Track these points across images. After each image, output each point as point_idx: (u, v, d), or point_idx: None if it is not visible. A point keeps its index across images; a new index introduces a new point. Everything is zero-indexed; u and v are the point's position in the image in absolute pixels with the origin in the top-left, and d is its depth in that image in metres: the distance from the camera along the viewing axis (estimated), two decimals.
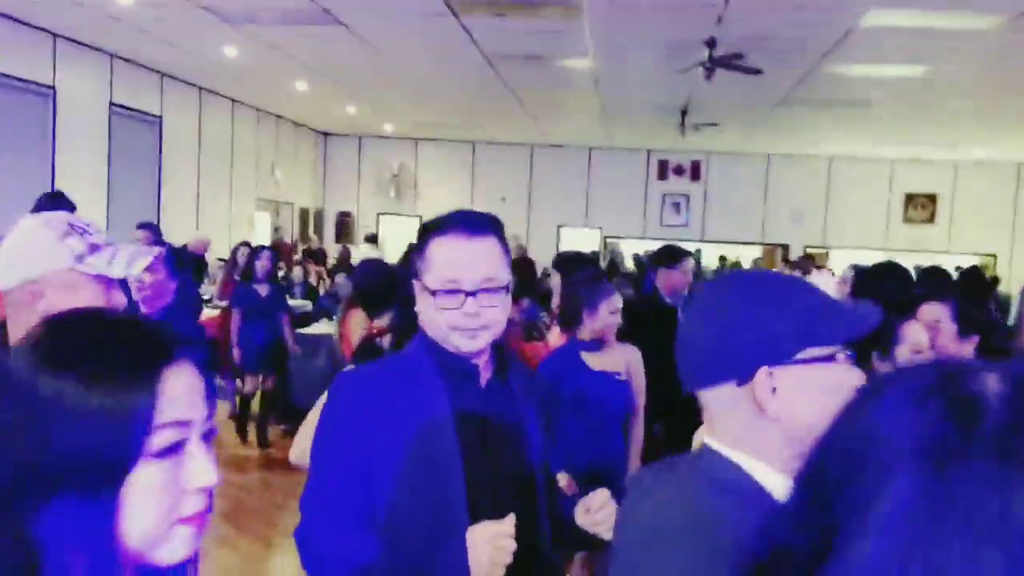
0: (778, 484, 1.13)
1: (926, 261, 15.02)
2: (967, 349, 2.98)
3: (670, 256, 5.13)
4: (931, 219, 15.75)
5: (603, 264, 10.85)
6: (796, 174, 15.92)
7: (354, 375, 1.81)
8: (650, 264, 6.72)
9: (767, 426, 1.15)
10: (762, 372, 1.14)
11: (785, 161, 15.86)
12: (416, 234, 1.86)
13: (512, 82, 10.61)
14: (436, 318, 1.70)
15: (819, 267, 14.36)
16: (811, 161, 15.81)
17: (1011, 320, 5.87)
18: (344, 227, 16.97)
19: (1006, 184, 15.56)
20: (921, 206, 15.79)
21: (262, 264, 7.32)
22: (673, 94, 10.62)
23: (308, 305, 9.78)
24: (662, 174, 16.33)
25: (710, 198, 16.18)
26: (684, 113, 11.71)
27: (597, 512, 1.74)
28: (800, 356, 1.14)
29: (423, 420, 1.67)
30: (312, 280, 11.43)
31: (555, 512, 1.84)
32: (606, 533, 1.72)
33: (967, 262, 15.49)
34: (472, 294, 1.68)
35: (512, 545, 1.54)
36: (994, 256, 15.62)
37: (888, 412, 0.70)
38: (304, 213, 16.36)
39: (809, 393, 1.13)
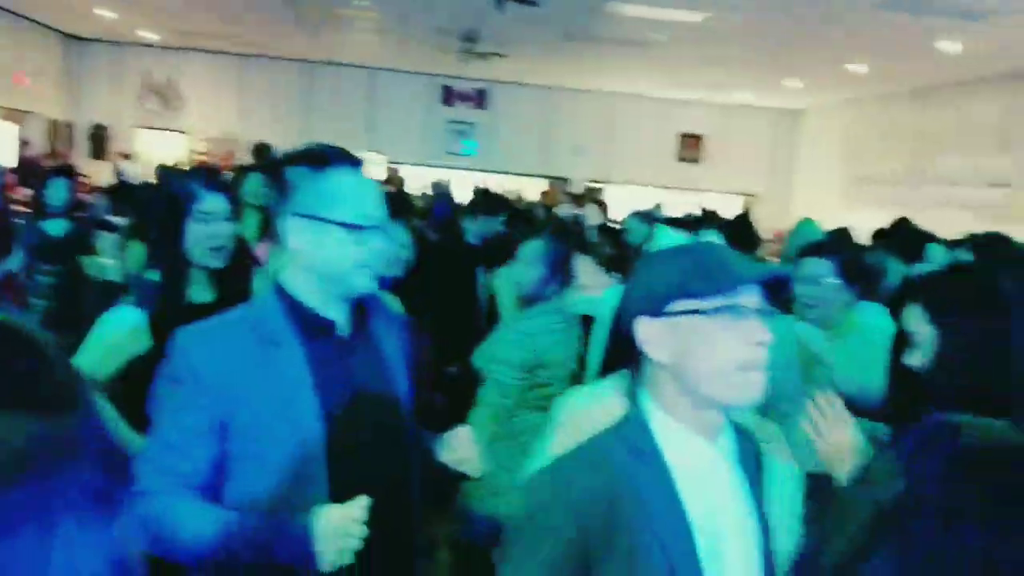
0: (690, 441, 1.30)
1: (695, 199, 15.85)
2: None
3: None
4: (700, 158, 16.48)
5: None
6: (580, 109, 16.10)
7: (197, 332, 1.67)
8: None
9: (658, 372, 1.32)
10: (641, 321, 1.31)
11: (570, 95, 15.98)
12: (282, 162, 1.74)
13: None
14: (340, 253, 1.64)
15: (596, 201, 14.71)
16: (595, 97, 16.01)
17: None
18: (99, 141, 15.42)
19: (767, 128, 16.50)
20: (692, 146, 16.48)
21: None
22: (457, 18, 10.30)
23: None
24: (447, 100, 16.01)
25: (495, 128, 16.07)
26: (470, 40, 11.42)
27: (461, 449, 1.78)
28: (670, 308, 1.29)
29: (277, 379, 1.62)
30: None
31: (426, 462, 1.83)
32: (473, 471, 1.79)
33: (731, 201, 16.43)
34: (374, 228, 1.66)
35: (361, 531, 1.51)
36: (754, 195, 16.62)
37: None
38: (53, 125, 14.70)
39: (680, 342, 1.28)
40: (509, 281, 3.86)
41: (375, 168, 15.82)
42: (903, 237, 5.01)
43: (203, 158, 15.30)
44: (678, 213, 14.35)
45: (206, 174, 2.91)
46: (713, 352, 1.26)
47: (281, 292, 1.69)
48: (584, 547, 1.22)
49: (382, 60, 14.84)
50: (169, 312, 2.26)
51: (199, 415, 1.58)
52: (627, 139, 16.14)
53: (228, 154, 15.56)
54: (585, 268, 3.60)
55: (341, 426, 1.64)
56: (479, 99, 16.01)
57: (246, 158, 15.48)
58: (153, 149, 15.42)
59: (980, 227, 10.56)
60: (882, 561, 0.99)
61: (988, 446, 0.89)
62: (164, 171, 12.35)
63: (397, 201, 10.40)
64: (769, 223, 14.82)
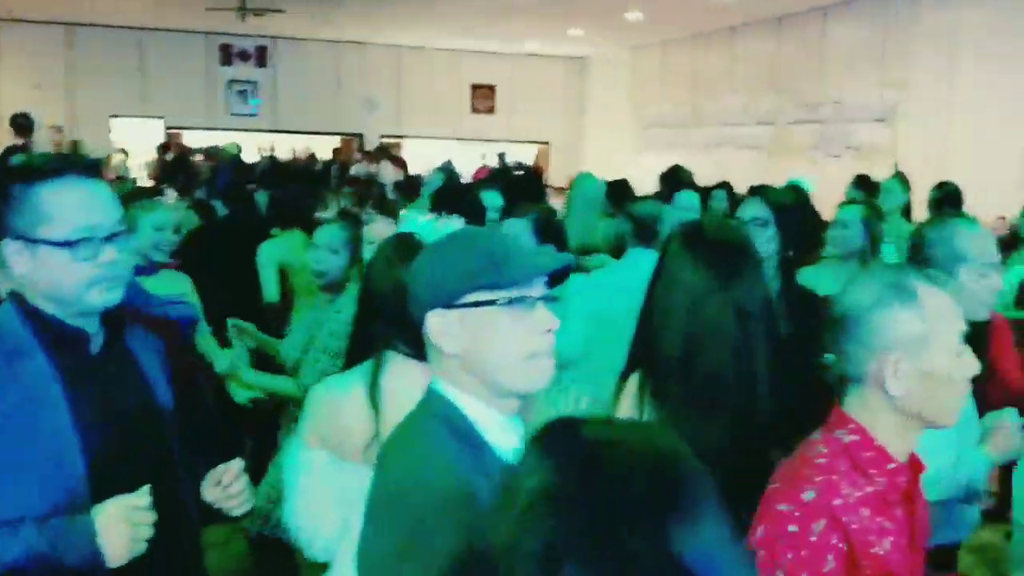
0: (496, 421, 1.32)
1: (490, 149, 16.01)
2: None
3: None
4: (493, 109, 16.60)
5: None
6: (369, 63, 15.74)
7: None
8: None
9: (450, 362, 1.31)
10: (433, 314, 1.30)
11: (357, 49, 15.58)
12: None
13: None
14: (65, 274, 1.53)
15: (391, 157, 14.54)
16: (383, 51, 15.70)
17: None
18: None
19: (557, 77, 16.82)
20: (484, 97, 16.56)
21: None
22: None
23: None
24: (225, 59, 15.21)
25: (280, 86, 15.46)
26: None
27: (230, 485, 1.70)
28: (463, 300, 1.28)
29: (25, 399, 1.50)
30: None
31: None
32: (238, 508, 1.72)
33: (526, 150, 16.72)
34: (108, 240, 1.55)
35: (149, 517, 1.48)
36: (548, 143, 16.98)
37: None
38: None
39: (471, 333, 1.29)
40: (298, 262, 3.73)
41: (151, 134, 14.90)
42: (672, 184, 5.26)
43: None
44: (474, 164, 14.48)
45: None
46: (505, 343, 1.29)
47: (22, 302, 1.57)
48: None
49: (153, 20, 13.87)
50: None
51: None
52: (419, 92, 15.99)
53: None
54: (385, 231, 3.52)
55: (99, 442, 1.55)
56: (260, 56, 15.32)
57: (5, 135, 14.18)
58: None
59: (754, 164, 11.35)
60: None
61: (607, 454, 0.81)
62: None
63: (178, 170, 9.83)
64: (564, 170, 15.24)
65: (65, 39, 14.37)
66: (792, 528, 1.38)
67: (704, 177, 8.95)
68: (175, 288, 3.46)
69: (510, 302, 1.28)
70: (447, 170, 6.90)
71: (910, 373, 1.42)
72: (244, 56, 15.22)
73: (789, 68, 11.16)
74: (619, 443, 0.83)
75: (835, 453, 1.45)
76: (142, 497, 1.49)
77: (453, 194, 3.29)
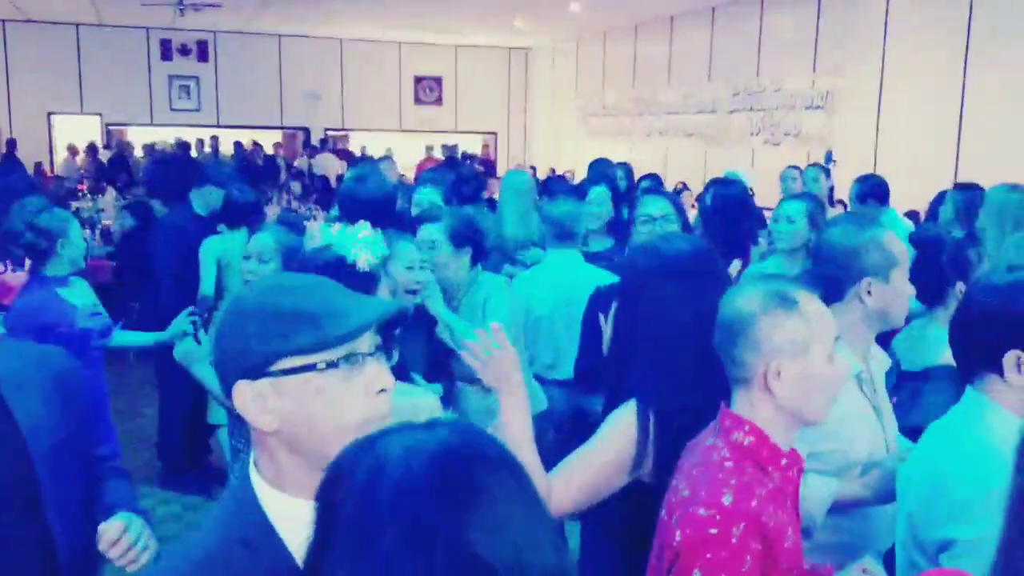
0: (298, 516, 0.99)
1: (436, 141, 16.01)
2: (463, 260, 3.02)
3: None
4: (439, 101, 16.59)
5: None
6: (310, 55, 15.64)
7: None
8: None
9: (268, 440, 1.10)
10: (240, 385, 1.08)
11: (298, 42, 15.47)
12: None
13: None
14: None
15: (336, 151, 14.49)
16: (323, 43, 15.61)
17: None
18: None
19: (500, 68, 16.87)
20: (429, 88, 16.54)
21: None
22: None
23: None
24: (166, 54, 15.00)
25: (222, 80, 15.29)
26: None
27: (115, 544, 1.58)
28: (275, 367, 1.07)
29: None
30: None
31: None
32: (134, 566, 1.61)
33: (472, 140, 16.74)
34: None
35: None
36: (495, 134, 17.02)
37: None
38: None
39: (290, 404, 1.08)
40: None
41: (89, 129, 14.66)
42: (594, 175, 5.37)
43: None
44: (418, 156, 14.45)
45: None
46: (333, 411, 1.08)
47: None
48: None
49: (87, 16, 13.62)
50: None
51: None
52: (363, 85, 15.93)
53: None
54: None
55: None
56: (201, 51, 15.13)
57: None
58: None
59: (697, 150, 11.53)
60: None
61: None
62: None
63: (118, 168, 9.70)
64: (512, 161, 15.31)
65: (0, 36, 14.07)
66: (713, 531, 1.44)
67: (646, 165, 9.11)
68: (87, 298, 3.38)
69: (332, 364, 1.07)
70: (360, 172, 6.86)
71: (791, 376, 1.53)
72: (185, 51, 15.02)
73: (727, 56, 11.33)
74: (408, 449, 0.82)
75: (739, 456, 1.54)
76: None
77: (363, 199, 3.16)
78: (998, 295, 1.62)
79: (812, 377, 1.54)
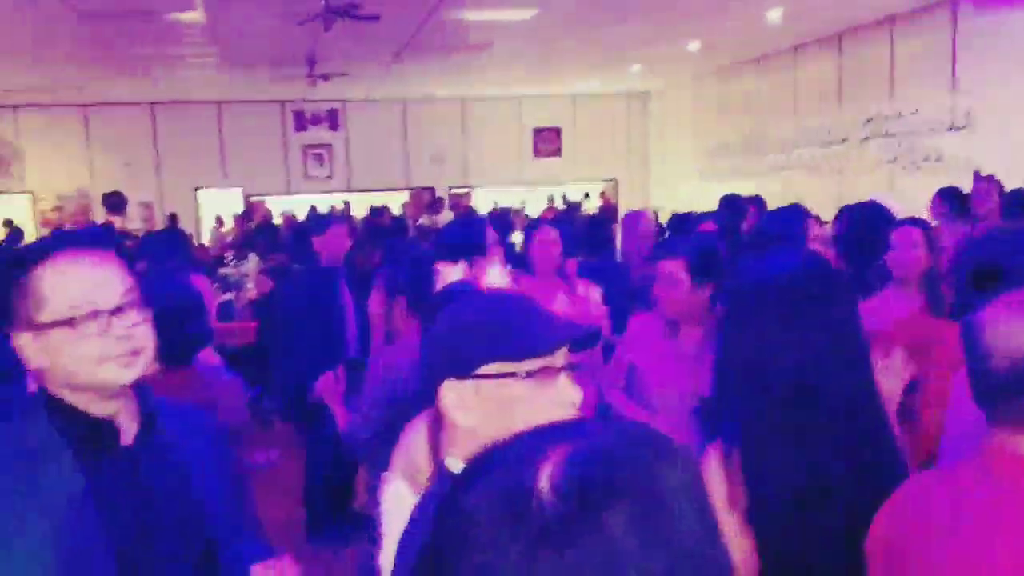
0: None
1: (557, 192, 16.09)
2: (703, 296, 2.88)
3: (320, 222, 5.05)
4: (558, 151, 16.73)
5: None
6: (433, 116, 16.10)
7: None
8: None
9: (463, 435, 1.24)
10: (446, 386, 1.24)
11: (421, 104, 15.96)
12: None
13: (115, 40, 9.50)
14: (73, 354, 1.38)
15: (458, 207, 14.76)
16: (446, 103, 16.05)
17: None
18: None
19: (618, 114, 16.88)
20: (548, 140, 16.71)
21: None
22: (297, 44, 10.14)
23: None
24: (300, 125, 15.75)
25: (351, 147, 15.91)
26: (312, 63, 11.26)
27: None
28: (481, 371, 1.21)
29: (49, 506, 1.34)
30: None
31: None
32: None
33: (593, 188, 16.75)
34: (115, 312, 1.41)
35: None
36: (615, 180, 16.98)
37: (465, 530, 0.70)
38: None
39: (489, 406, 1.22)
40: None
41: (232, 201, 15.44)
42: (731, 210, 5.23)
43: (52, 216, 14.62)
44: (539, 207, 14.54)
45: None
46: (526, 417, 1.11)
47: (45, 396, 1.44)
48: None
49: (229, 93, 14.48)
50: None
51: None
52: (483, 141, 16.25)
53: (81, 208, 14.92)
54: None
55: (131, 550, 1.42)
56: (332, 120, 15.81)
57: (100, 211, 14.90)
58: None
59: (822, 186, 11.14)
60: None
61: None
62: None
63: (261, 234, 10.17)
64: (632, 205, 15.21)
65: (149, 118, 15.10)
66: None
67: (774, 202, 8.84)
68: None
69: (531, 373, 1.21)
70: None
71: None
72: (317, 121, 15.72)
73: (854, 84, 10.97)
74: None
75: None
76: None
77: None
78: None
79: None
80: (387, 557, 2.07)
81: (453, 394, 1.24)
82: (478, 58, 11.76)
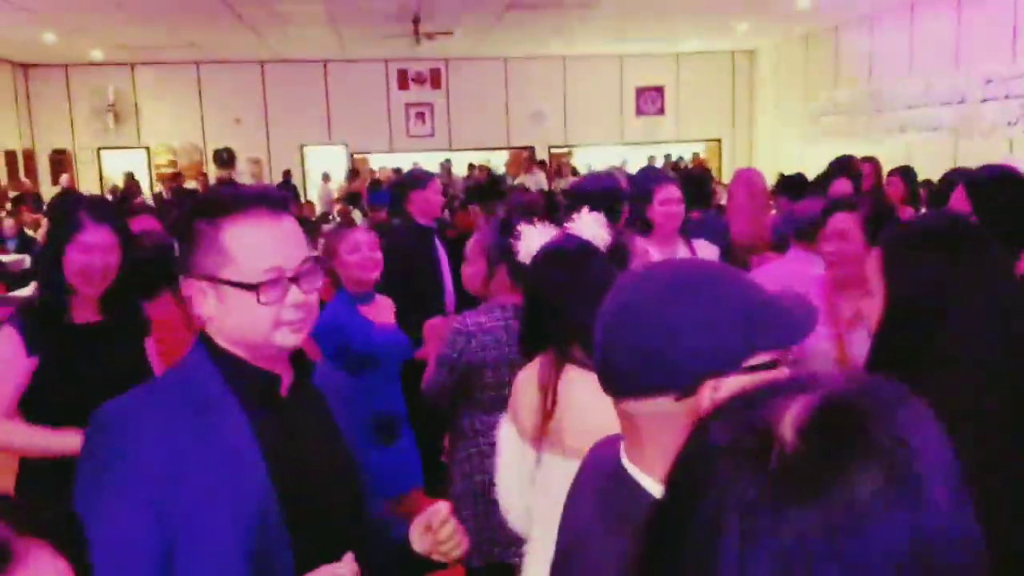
0: None
1: (659, 151, 15.90)
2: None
3: (416, 178, 4.96)
4: (661, 111, 16.50)
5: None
6: (533, 76, 16.08)
7: (119, 407, 1.43)
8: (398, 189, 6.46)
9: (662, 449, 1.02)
10: (709, 385, 1.01)
11: (522, 64, 15.95)
12: (185, 218, 1.50)
13: None
14: (251, 317, 1.41)
15: (558, 166, 14.73)
16: (547, 62, 15.99)
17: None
18: (59, 166, 15.32)
19: (723, 73, 16.53)
20: (651, 99, 16.49)
21: None
22: (403, 2, 10.27)
23: (25, 259, 8.83)
24: (403, 84, 15.96)
25: (453, 105, 16.04)
26: (416, 21, 11.39)
27: (440, 529, 1.53)
28: (748, 364, 1.01)
29: (220, 452, 1.38)
30: (30, 231, 10.28)
31: (377, 531, 1.63)
32: (454, 552, 1.55)
33: (697, 149, 16.49)
34: (295, 279, 1.43)
35: None
36: (719, 140, 16.69)
37: (707, 464, 0.69)
38: (10, 155, 14.59)
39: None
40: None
41: (337, 160, 15.81)
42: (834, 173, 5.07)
43: (167, 171, 15.27)
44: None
45: (101, 203, 2.94)
46: None
47: (213, 349, 1.47)
48: None
49: (334, 52, 14.77)
50: (47, 331, 2.51)
51: (139, 508, 1.34)
52: (584, 100, 16.14)
53: (194, 164, 15.53)
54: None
55: (295, 499, 1.45)
56: (434, 79, 15.96)
57: (212, 166, 15.49)
58: (116, 168, 15.37)
59: (938, 148, 10.72)
60: None
61: None
62: (116, 191, 12.33)
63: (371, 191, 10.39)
64: (736, 165, 14.93)
65: (258, 76, 15.53)
66: None
67: (888, 165, 8.59)
68: (386, 316, 3.42)
69: (775, 364, 1.04)
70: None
71: None
72: (420, 79, 15.90)
73: (974, 42, 10.47)
74: None
75: None
76: (348, 566, 1.40)
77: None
78: None
79: None
80: (502, 487, 2.20)
81: (714, 393, 1.01)
82: (580, 15, 11.68)
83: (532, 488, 2.03)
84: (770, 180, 7.59)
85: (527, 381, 2.07)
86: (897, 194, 5.68)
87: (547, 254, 2.10)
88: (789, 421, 0.66)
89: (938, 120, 11.00)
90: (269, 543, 1.39)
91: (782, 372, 1.02)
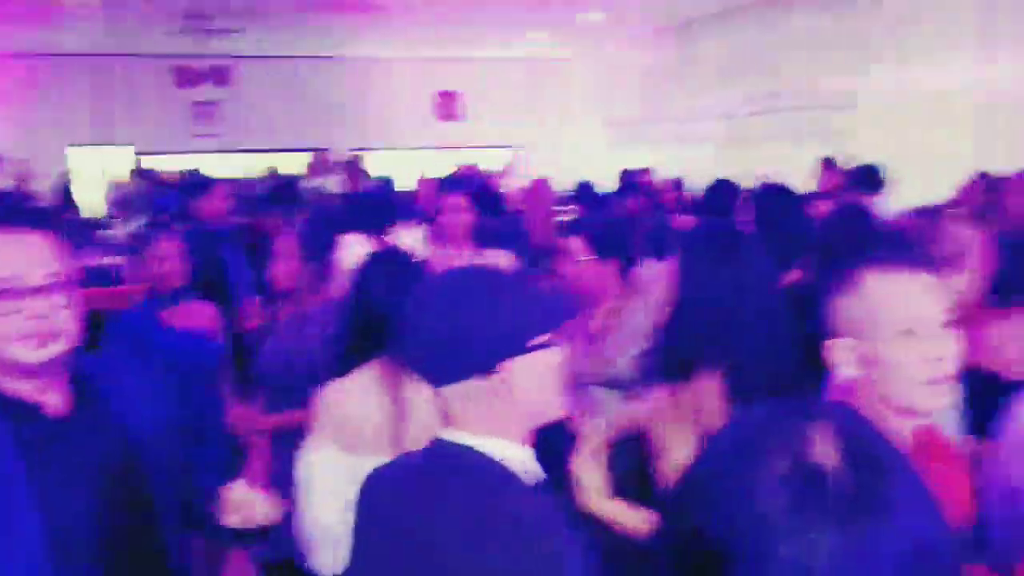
0: (520, 455, 1.31)
1: (459, 158, 15.95)
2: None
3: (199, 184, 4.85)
4: (460, 116, 16.55)
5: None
6: (331, 77, 15.67)
7: None
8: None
9: (511, 409, 1.28)
10: (509, 362, 1.26)
11: (319, 64, 15.52)
12: None
13: None
14: None
15: (355, 170, 14.48)
16: (346, 64, 15.66)
17: None
18: None
19: (525, 80, 16.73)
20: (450, 104, 16.52)
21: None
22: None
23: None
24: (187, 81, 15.13)
25: (243, 105, 15.39)
26: (201, 18, 10.83)
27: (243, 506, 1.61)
28: (532, 344, 1.28)
29: None
30: None
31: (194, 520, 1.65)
32: (268, 520, 1.64)
33: (496, 155, 16.67)
34: (35, 292, 1.40)
35: None
36: (522, 147, 16.93)
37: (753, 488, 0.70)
38: None
39: (539, 375, 1.29)
40: None
41: (119, 161, 14.75)
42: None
43: None
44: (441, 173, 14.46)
45: None
46: (550, 383, 1.38)
47: None
48: None
49: (109, 47, 13.77)
50: None
51: None
52: (384, 103, 15.94)
53: None
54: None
55: (61, 515, 1.41)
56: (221, 77, 15.24)
57: None
58: None
59: (722, 156, 11.43)
60: None
61: None
62: None
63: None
64: (537, 172, 15.19)
65: (24, 70, 14.21)
66: None
67: (670, 173, 9.04)
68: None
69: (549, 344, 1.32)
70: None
71: None
72: (203, 77, 15.14)
73: (744, 60, 11.28)
74: None
75: None
76: None
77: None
78: None
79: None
80: (312, 529, 2.03)
81: (513, 369, 1.27)
82: (378, 19, 11.53)
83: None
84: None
85: (353, 391, 2.04)
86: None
87: (377, 262, 2.15)
88: (825, 453, 0.69)
89: (715, 132, 11.75)
90: (32, 567, 1.36)
91: (562, 350, 1.32)
